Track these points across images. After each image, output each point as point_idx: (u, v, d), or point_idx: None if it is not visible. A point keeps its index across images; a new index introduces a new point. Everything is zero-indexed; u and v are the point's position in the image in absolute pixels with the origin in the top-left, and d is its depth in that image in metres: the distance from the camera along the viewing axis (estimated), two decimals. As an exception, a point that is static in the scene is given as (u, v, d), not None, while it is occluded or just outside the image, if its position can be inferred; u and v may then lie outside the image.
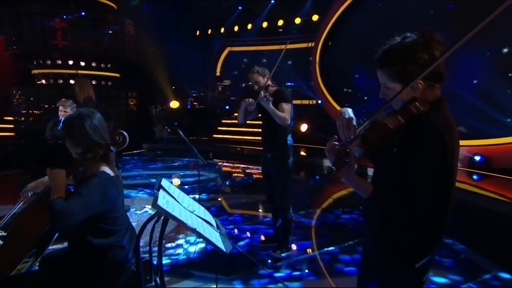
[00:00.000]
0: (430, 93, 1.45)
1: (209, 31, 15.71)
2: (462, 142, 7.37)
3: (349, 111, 1.52)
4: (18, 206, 2.30)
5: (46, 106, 9.68)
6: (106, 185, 1.87)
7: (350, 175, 1.38)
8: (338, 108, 10.46)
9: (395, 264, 1.58)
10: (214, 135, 11.68)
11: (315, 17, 12.69)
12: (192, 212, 1.85)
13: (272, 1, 13.88)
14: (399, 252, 1.55)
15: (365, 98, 10.18)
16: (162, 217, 1.98)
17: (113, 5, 10.34)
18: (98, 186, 1.85)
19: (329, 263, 3.47)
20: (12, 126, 10.14)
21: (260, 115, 3.70)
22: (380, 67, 1.51)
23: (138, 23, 10.93)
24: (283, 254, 3.56)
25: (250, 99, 3.49)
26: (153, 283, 2.13)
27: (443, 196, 1.48)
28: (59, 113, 4.87)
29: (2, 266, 1.85)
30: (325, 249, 3.73)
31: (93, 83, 10.10)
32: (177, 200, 1.85)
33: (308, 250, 3.78)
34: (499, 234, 4.22)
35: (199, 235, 1.57)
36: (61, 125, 2.07)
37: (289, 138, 3.55)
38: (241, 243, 3.93)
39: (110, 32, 10.15)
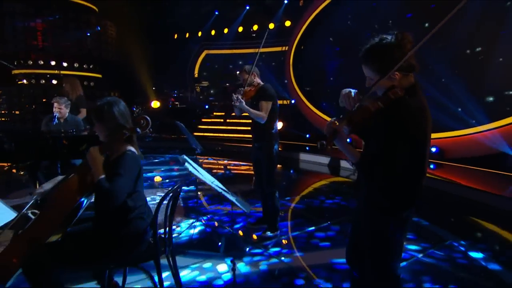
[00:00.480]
0: (405, 81, 1.71)
1: (187, 35, 15.73)
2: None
3: (352, 90, 1.81)
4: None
5: (27, 106, 9.42)
6: (137, 162, 2.07)
7: (340, 143, 1.70)
8: (310, 106, 10.85)
9: (380, 218, 1.81)
10: (195, 133, 11.74)
11: (287, 23, 13.00)
12: (211, 182, 2.06)
13: (247, 7, 14.10)
14: (382, 209, 1.78)
15: (334, 95, 10.56)
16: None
17: (94, 7, 10.21)
18: (132, 163, 2.04)
19: (312, 240, 3.72)
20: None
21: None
22: (363, 63, 1.80)
23: (119, 26, 10.79)
24: (271, 234, 3.72)
25: (235, 96, 3.60)
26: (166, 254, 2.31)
27: (416, 164, 1.73)
28: (54, 110, 4.83)
29: (37, 236, 1.98)
30: (308, 229, 3.96)
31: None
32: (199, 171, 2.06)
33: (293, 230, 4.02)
34: (453, 211, 4.84)
35: (224, 196, 1.79)
36: (93, 111, 2.15)
37: (275, 128, 3.68)
38: (236, 226, 4.11)
39: (89, 34, 9.99)
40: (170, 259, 2.33)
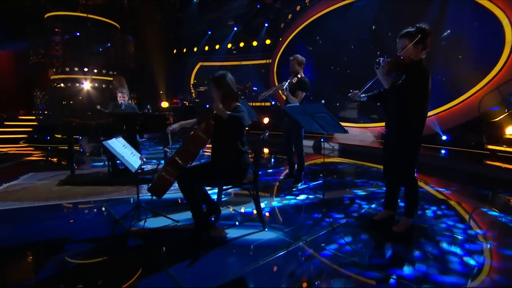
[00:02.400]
0: (420, 54, 2.49)
1: (184, 50, 16.10)
2: (376, 124, 9.07)
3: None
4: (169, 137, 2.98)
5: (64, 103, 9.52)
6: (245, 111, 2.55)
7: (381, 71, 2.43)
8: None
9: (406, 137, 2.50)
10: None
11: (268, 41, 13.79)
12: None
13: (235, 28, 14.75)
14: (407, 130, 2.49)
15: (311, 98, 11.47)
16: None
17: (117, 25, 10.46)
18: (243, 110, 2.54)
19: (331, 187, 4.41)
20: (33, 117, 9.84)
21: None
22: (401, 37, 2.53)
23: (137, 39, 11.10)
24: (299, 185, 4.16)
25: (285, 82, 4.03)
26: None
27: (424, 112, 2.49)
28: (118, 98, 5.21)
29: (181, 164, 2.51)
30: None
31: (103, 86, 10.24)
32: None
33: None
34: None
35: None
36: (214, 83, 2.55)
37: None
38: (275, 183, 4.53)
39: (108, 46, 10.18)
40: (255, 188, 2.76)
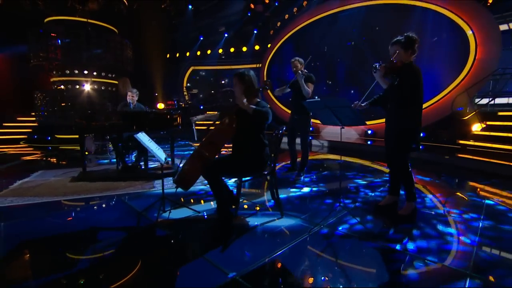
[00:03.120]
0: (410, 58, 2.64)
1: (177, 55, 15.87)
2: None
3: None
4: (194, 128, 2.94)
5: (63, 104, 9.17)
6: (267, 106, 2.58)
7: (378, 74, 2.57)
8: (280, 105, 11.70)
9: (403, 134, 2.65)
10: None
11: (257, 47, 13.85)
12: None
13: (226, 35, 14.69)
14: (405, 122, 2.62)
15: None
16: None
17: (115, 29, 10.19)
18: (265, 105, 2.56)
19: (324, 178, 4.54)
20: (34, 118, 9.41)
21: (289, 90, 4.30)
22: (393, 44, 2.67)
23: (134, 45, 10.84)
24: (302, 178, 4.27)
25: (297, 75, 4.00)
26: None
27: (420, 104, 2.63)
28: (128, 98, 5.11)
29: (208, 156, 2.48)
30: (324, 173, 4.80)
31: (102, 88, 9.92)
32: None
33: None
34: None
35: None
36: (238, 78, 2.62)
37: None
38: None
39: (102, 50, 9.87)
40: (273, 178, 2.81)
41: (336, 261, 2.01)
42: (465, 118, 6.83)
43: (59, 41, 8.59)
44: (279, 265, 1.98)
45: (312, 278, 1.80)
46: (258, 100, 2.62)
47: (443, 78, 7.79)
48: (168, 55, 15.75)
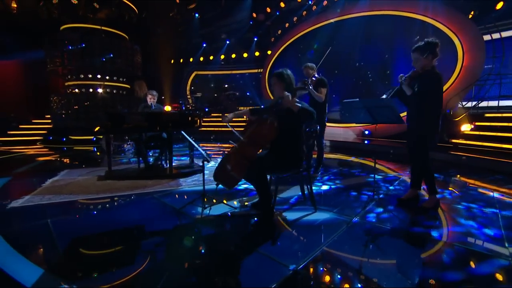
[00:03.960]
0: (432, 62, 2.59)
1: (181, 60, 15.66)
2: (356, 125, 9.38)
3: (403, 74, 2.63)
4: (233, 130, 2.81)
5: (77, 107, 8.92)
6: (305, 104, 2.44)
7: (405, 84, 2.56)
8: None
9: (422, 140, 2.63)
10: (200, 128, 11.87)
11: (257, 53, 13.80)
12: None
13: (227, 42, 14.58)
14: (423, 136, 2.62)
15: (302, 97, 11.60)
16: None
17: (126, 36, 9.97)
18: (303, 104, 2.39)
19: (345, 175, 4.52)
20: (49, 121, 9.11)
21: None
22: (413, 51, 2.63)
23: (143, 51, 10.64)
24: (318, 175, 4.21)
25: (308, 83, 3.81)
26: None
27: (438, 111, 2.59)
28: (148, 100, 4.99)
29: (251, 156, 2.42)
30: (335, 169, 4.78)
31: (114, 91, 9.69)
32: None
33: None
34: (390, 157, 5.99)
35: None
36: (277, 77, 2.54)
37: (327, 106, 4.03)
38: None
39: (111, 55, 9.65)
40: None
41: (382, 248, 1.98)
42: (457, 119, 6.93)
43: (74, 47, 8.32)
44: (331, 255, 1.93)
45: (362, 262, 1.76)
46: (296, 100, 2.49)
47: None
48: (172, 61, 15.52)
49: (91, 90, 8.96)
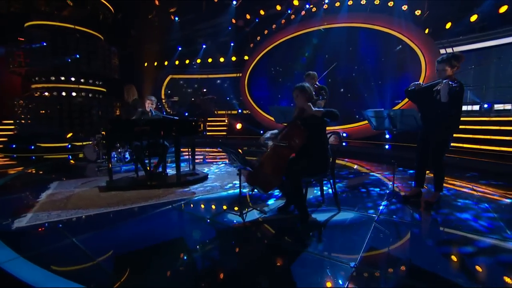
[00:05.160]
0: (453, 72, 2.88)
1: (156, 63, 15.01)
2: (337, 127, 9.92)
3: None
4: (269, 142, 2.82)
5: (43, 112, 8.09)
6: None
7: (444, 90, 2.75)
8: (261, 111, 11.80)
9: (442, 143, 2.93)
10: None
11: (234, 58, 13.77)
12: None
13: (204, 46, 14.35)
14: (443, 139, 2.91)
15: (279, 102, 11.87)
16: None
17: (101, 36, 9.32)
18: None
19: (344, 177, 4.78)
20: (13, 127, 8.07)
21: None
22: (439, 62, 2.91)
23: (120, 52, 10.03)
24: None
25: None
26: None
27: (459, 116, 2.88)
28: (147, 105, 4.80)
29: (284, 161, 2.51)
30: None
31: (89, 95, 8.97)
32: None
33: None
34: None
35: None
36: (300, 90, 2.65)
37: None
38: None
39: (78, 56, 8.91)
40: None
41: (413, 237, 2.20)
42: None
43: (37, 46, 7.53)
44: (377, 249, 2.09)
45: (404, 252, 1.95)
46: (316, 109, 2.63)
47: (402, 89, 8.72)
48: (146, 64, 14.81)
49: (64, 93, 8.18)
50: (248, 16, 11.37)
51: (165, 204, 3.26)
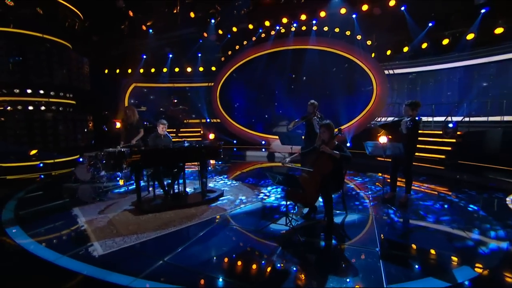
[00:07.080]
0: (414, 113, 4.19)
1: (117, 71, 14.19)
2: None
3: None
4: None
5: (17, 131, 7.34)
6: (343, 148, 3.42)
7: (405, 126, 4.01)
8: (232, 121, 12.35)
9: (411, 155, 4.16)
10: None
11: (201, 69, 13.97)
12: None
13: (170, 56, 14.20)
14: (413, 149, 4.15)
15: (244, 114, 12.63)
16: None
17: (69, 45, 8.72)
18: (342, 147, 3.39)
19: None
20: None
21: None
22: (406, 105, 4.14)
23: (91, 62, 9.48)
24: None
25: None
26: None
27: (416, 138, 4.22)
28: (159, 129, 5.03)
29: (318, 180, 3.37)
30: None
31: (60, 109, 8.31)
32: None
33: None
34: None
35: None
36: (320, 128, 3.48)
37: None
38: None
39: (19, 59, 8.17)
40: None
41: (413, 229, 3.27)
42: (379, 134, 9.43)
43: (11, 58, 6.85)
44: (390, 238, 3.12)
45: (410, 239, 2.97)
46: (336, 142, 3.46)
47: (361, 104, 10.43)
48: (106, 71, 13.92)
49: (31, 107, 7.49)
50: (220, 32, 11.84)
51: (210, 222, 3.68)
